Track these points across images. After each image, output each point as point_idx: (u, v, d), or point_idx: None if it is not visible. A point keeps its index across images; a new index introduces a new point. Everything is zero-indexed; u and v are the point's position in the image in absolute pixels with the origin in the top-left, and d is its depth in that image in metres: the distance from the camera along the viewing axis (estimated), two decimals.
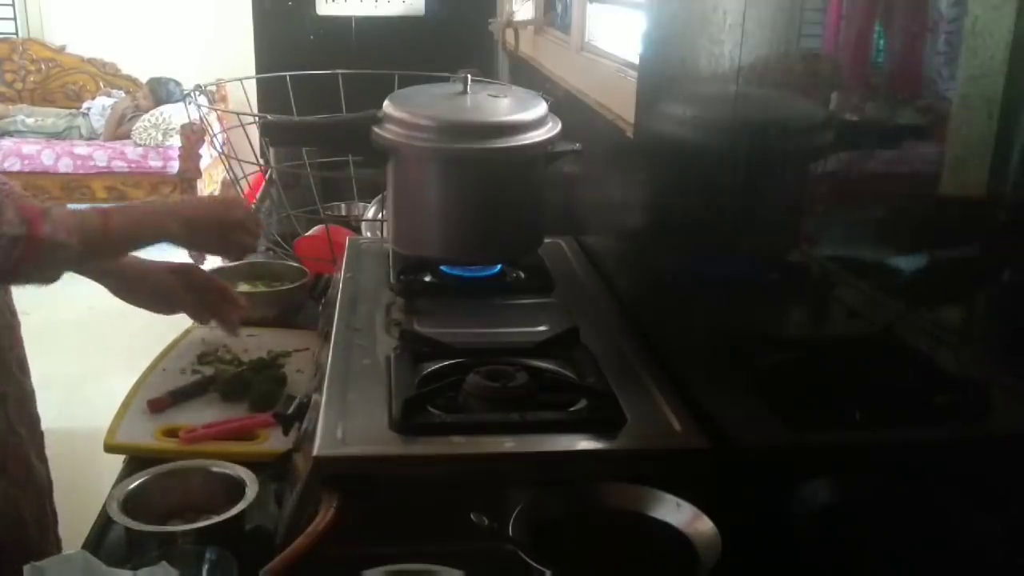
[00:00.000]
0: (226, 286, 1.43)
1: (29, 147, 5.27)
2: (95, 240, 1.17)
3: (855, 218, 0.74)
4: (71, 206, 1.20)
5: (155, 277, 1.37)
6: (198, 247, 1.45)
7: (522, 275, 1.41)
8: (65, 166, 5.24)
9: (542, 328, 1.19)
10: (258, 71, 3.06)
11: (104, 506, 1.03)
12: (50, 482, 1.40)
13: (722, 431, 0.97)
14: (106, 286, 1.36)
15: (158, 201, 1.32)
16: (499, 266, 1.42)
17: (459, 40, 3.21)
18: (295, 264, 1.79)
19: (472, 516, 0.82)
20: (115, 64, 5.98)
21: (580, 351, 1.13)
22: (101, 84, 5.94)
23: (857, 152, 0.73)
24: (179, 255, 1.54)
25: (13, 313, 1.33)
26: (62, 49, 5.97)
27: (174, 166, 5.25)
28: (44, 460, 1.39)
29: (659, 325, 1.21)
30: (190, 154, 5.17)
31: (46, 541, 1.34)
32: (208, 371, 1.42)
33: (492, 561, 0.80)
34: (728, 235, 0.97)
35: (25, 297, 1.31)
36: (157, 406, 1.30)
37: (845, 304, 0.77)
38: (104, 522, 1.06)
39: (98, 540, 1.06)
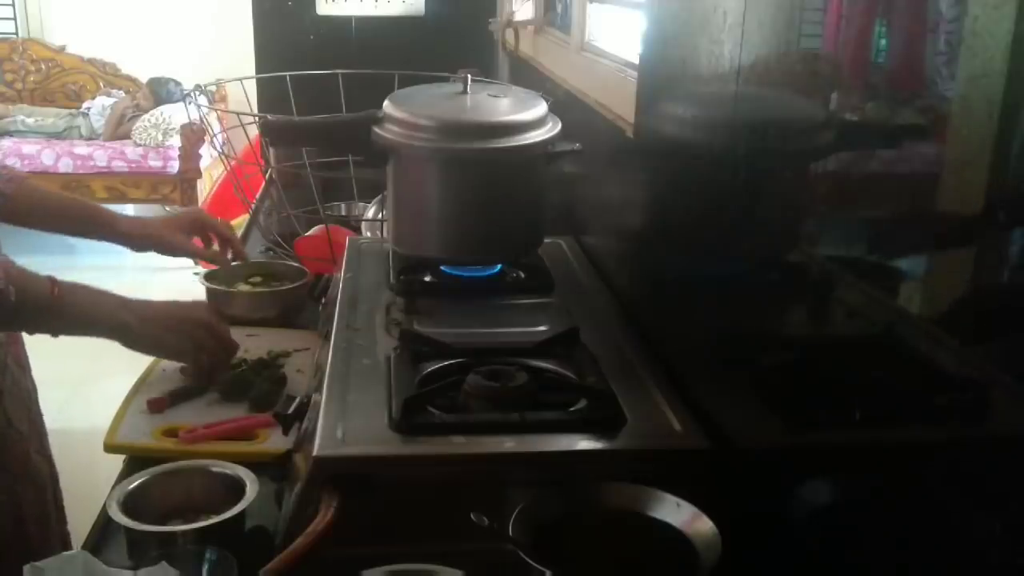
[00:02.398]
0: (231, 232, 1.59)
1: (29, 147, 5.27)
2: (37, 303, 1.14)
3: (855, 218, 0.74)
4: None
5: (165, 242, 1.55)
6: (150, 352, 1.33)
7: (522, 275, 1.41)
8: (65, 166, 5.24)
9: (542, 328, 1.19)
10: (258, 71, 3.07)
11: (104, 506, 1.03)
12: (54, 478, 1.40)
13: (722, 431, 0.97)
14: (126, 245, 1.53)
15: (114, 294, 1.29)
16: (499, 266, 1.42)
17: (459, 40, 3.21)
18: (295, 264, 1.79)
19: (472, 516, 0.82)
20: (115, 64, 5.98)
21: (580, 351, 1.13)
22: (101, 84, 5.94)
23: (857, 152, 0.73)
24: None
25: None
26: (62, 49, 5.97)
27: (174, 166, 5.26)
28: (47, 456, 1.39)
29: (659, 325, 1.21)
30: (190, 154, 5.18)
31: (47, 537, 1.34)
32: None
33: (492, 561, 0.80)
34: (728, 235, 0.97)
35: None
36: (157, 406, 1.30)
37: (845, 304, 0.77)
38: (104, 522, 1.06)
39: (98, 540, 1.06)
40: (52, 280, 1.18)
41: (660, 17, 1.23)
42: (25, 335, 1.36)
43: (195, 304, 1.36)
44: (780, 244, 0.87)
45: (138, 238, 1.52)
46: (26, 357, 1.37)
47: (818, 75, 0.80)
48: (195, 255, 1.62)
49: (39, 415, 1.39)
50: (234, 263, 1.69)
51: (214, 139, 2.10)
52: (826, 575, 0.77)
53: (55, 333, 1.21)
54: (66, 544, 1.39)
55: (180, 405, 1.32)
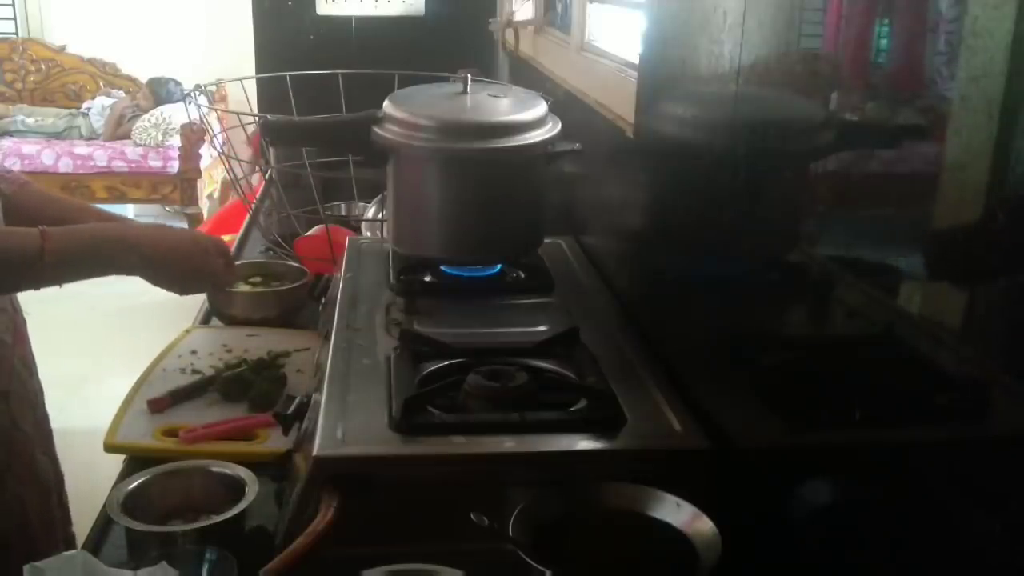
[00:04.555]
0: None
1: (29, 147, 5.27)
2: (26, 257, 1.13)
3: (855, 218, 0.74)
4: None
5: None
6: (160, 284, 1.31)
7: (522, 275, 1.41)
8: (65, 166, 5.24)
9: (542, 328, 1.19)
10: (258, 71, 3.06)
11: (104, 506, 1.03)
12: (59, 480, 1.40)
13: (722, 431, 0.97)
14: None
15: (117, 227, 1.26)
16: (499, 266, 1.42)
17: (459, 40, 3.21)
18: (295, 264, 1.79)
19: (472, 516, 0.82)
20: (115, 64, 5.98)
21: (580, 351, 1.13)
22: (101, 84, 5.95)
23: (857, 152, 0.73)
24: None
25: (16, 310, 1.33)
26: (62, 49, 5.98)
27: (174, 166, 5.26)
28: (53, 457, 1.39)
29: (659, 325, 1.21)
30: (190, 154, 5.18)
31: (52, 538, 1.34)
32: (209, 371, 1.42)
33: (492, 561, 0.80)
34: (728, 235, 0.97)
35: (26, 297, 1.31)
36: (157, 406, 1.30)
37: (845, 304, 0.77)
38: (104, 522, 1.06)
39: (98, 540, 1.06)
40: (42, 233, 1.15)
41: (660, 17, 1.23)
42: (31, 337, 1.36)
43: (210, 248, 1.34)
44: (780, 244, 0.87)
45: None
46: (32, 358, 1.36)
47: (818, 75, 0.80)
48: None
49: (45, 417, 1.39)
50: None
51: (214, 139, 2.10)
52: (826, 575, 0.77)
53: (57, 284, 1.19)
54: (70, 546, 1.39)
55: (180, 405, 1.33)
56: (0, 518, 1.24)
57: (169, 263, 1.27)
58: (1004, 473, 0.55)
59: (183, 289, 1.33)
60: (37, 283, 1.19)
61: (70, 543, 1.40)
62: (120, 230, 1.29)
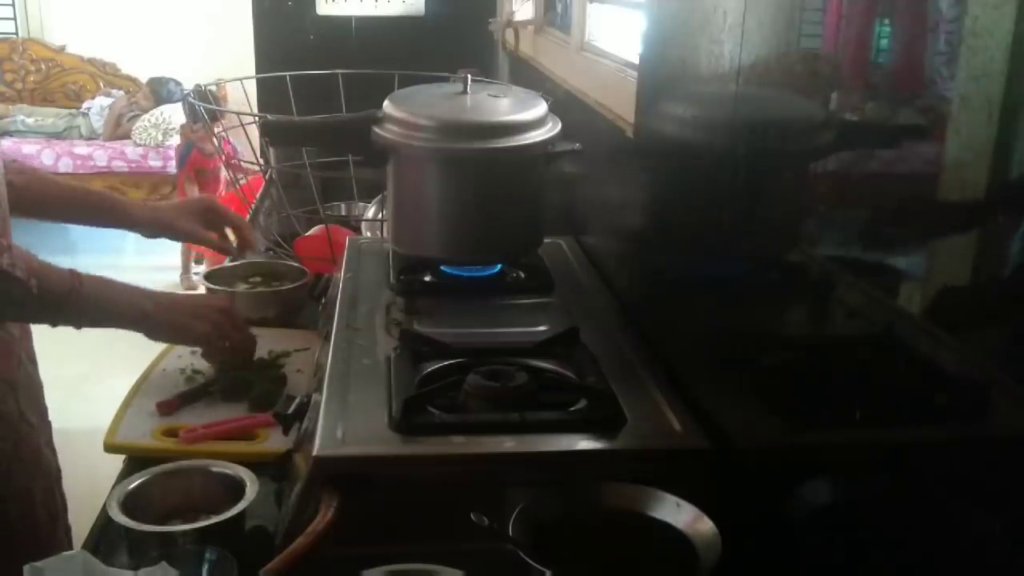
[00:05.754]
0: (242, 221, 1.59)
1: (29, 147, 5.28)
2: (58, 294, 1.18)
3: (855, 218, 0.74)
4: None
5: (178, 228, 1.54)
6: (172, 339, 1.40)
7: (522, 275, 1.41)
8: (65, 166, 5.25)
9: (542, 328, 1.19)
10: (258, 71, 3.06)
11: (104, 506, 1.03)
12: (58, 470, 1.41)
13: (722, 431, 0.97)
14: (138, 231, 1.52)
15: (135, 286, 1.33)
16: (499, 266, 1.42)
17: (459, 40, 3.21)
18: (295, 264, 1.79)
19: (472, 516, 0.82)
20: (115, 64, 5.99)
21: (580, 351, 1.13)
22: (101, 84, 5.95)
23: (857, 152, 0.73)
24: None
25: None
26: (62, 49, 5.98)
27: (174, 166, 5.26)
28: (53, 449, 1.41)
29: (659, 325, 1.21)
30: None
31: (55, 526, 1.36)
32: (209, 372, 1.42)
33: (492, 561, 0.80)
34: (728, 235, 0.97)
35: None
36: (167, 408, 1.30)
37: (845, 304, 0.77)
38: (104, 522, 1.06)
39: (98, 540, 1.06)
40: (73, 273, 1.21)
41: (660, 17, 1.23)
42: (33, 330, 1.37)
43: (213, 296, 1.41)
44: (780, 244, 0.87)
45: (149, 223, 1.52)
46: (35, 352, 1.38)
47: (818, 75, 0.79)
48: (205, 243, 1.61)
49: (46, 409, 1.40)
50: (239, 259, 1.69)
51: (214, 139, 2.10)
52: (826, 575, 0.77)
53: (78, 325, 1.24)
54: (69, 536, 1.41)
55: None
56: (8, 507, 1.25)
57: (178, 304, 1.34)
58: (1004, 473, 0.55)
59: (189, 326, 1.34)
60: (58, 321, 1.22)
61: (67, 533, 1.41)
62: (142, 289, 1.34)
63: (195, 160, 4.71)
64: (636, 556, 0.85)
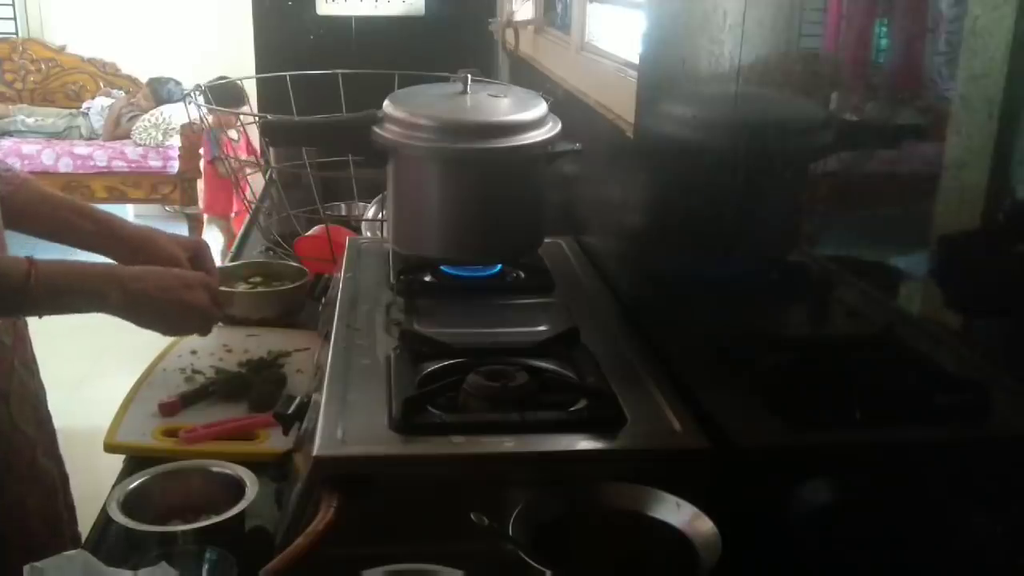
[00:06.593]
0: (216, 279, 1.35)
1: (29, 147, 5.28)
2: (12, 284, 1.09)
3: (855, 218, 0.74)
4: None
5: (161, 247, 1.33)
6: (143, 322, 1.22)
7: (522, 275, 1.41)
8: (65, 166, 5.25)
9: (542, 328, 1.19)
10: (258, 71, 3.06)
11: (104, 506, 1.03)
12: (63, 480, 1.40)
13: (722, 431, 0.97)
14: (106, 254, 1.32)
15: (105, 264, 1.23)
16: (499, 266, 1.42)
17: (459, 40, 3.21)
18: (295, 264, 1.79)
19: (472, 516, 0.81)
20: (115, 64, 5.99)
21: (580, 351, 1.13)
22: (101, 84, 5.95)
23: (857, 152, 0.73)
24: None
25: None
26: (62, 49, 5.98)
27: (174, 166, 5.26)
28: (56, 458, 1.38)
29: (659, 325, 1.21)
30: (190, 154, 5.18)
31: (58, 538, 1.34)
32: (209, 372, 1.42)
33: (492, 561, 0.80)
34: (728, 235, 0.97)
35: None
36: (170, 409, 1.30)
37: (845, 304, 0.77)
38: (104, 522, 1.06)
39: (98, 540, 1.06)
40: (30, 261, 1.12)
41: (660, 17, 1.23)
42: (31, 338, 1.36)
43: (194, 283, 1.25)
44: (780, 244, 0.87)
45: (136, 241, 1.36)
46: (34, 358, 1.35)
47: (818, 75, 0.80)
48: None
49: (48, 417, 1.38)
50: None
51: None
52: (825, 575, 0.77)
53: (39, 315, 1.15)
54: (77, 546, 1.39)
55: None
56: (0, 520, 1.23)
57: (152, 298, 1.20)
58: (1004, 473, 0.55)
59: (168, 327, 1.26)
60: (19, 311, 1.17)
61: (77, 542, 1.39)
62: (107, 267, 1.25)
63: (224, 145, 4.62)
64: (636, 556, 0.85)
